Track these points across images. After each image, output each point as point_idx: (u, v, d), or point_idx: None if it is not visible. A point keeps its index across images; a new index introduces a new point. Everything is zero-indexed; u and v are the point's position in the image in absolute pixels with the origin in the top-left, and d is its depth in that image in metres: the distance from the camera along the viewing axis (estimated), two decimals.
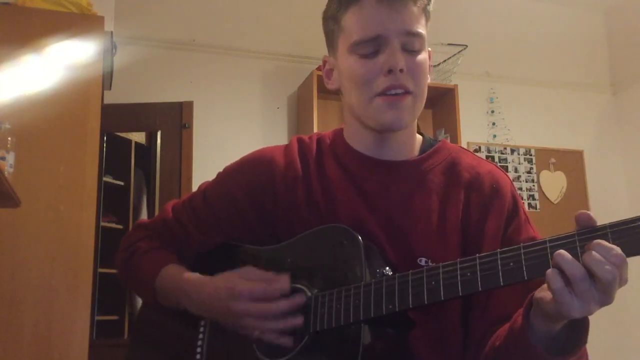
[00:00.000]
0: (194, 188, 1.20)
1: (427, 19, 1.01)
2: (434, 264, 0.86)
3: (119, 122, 3.35)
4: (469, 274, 0.81)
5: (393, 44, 0.96)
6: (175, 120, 3.38)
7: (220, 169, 1.18)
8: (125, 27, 3.36)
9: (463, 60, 3.89)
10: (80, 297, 2.22)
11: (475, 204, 1.01)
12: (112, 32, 2.76)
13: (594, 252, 0.71)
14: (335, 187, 1.05)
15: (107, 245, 3.04)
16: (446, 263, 0.84)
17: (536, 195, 4.20)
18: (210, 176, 1.20)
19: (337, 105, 3.79)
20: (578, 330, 0.81)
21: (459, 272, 0.82)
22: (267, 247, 1.06)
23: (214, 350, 1.06)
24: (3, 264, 2.16)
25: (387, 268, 0.94)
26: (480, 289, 0.80)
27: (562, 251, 0.73)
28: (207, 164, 3.18)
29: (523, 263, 0.77)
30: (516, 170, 4.20)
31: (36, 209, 2.23)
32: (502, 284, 0.78)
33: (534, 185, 4.22)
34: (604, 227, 0.73)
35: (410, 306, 0.85)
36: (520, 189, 4.17)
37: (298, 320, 0.94)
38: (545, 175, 4.26)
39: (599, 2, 4.57)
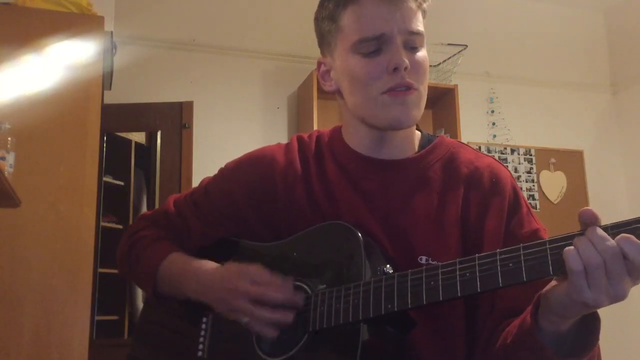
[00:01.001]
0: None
1: (424, 16, 1.01)
2: (433, 264, 0.86)
3: (119, 122, 3.35)
4: (467, 275, 0.80)
5: (396, 42, 0.96)
6: (175, 120, 3.38)
7: (223, 166, 1.18)
8: (125, 27, 3.36)
9: (463, 60, 3.89)
10: (80, 297, 2.22)
11: (475, 199, 1.00)
12: (112, 32, 2.76)
13: (631, 236, 0.70)
14: (335, 186, 1.05)
15: (107, 245, 3.04)
16: (445, 263, 0.83)
17: (536, 195, 4.20)
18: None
19: (337, 105, 3.76)
20: (588, 329, 0.80)
21: (457, 272, 0.81)
22: (269, 243, 1.07)
23: (215, 348, 1.07)
24: (3, 264, 2.16)
25: (388, 265, 0.94)
26: (479, 289, 0.79)
27: (582, 237, 0.72)
28: (207, 164, 3.17)
29: (522, 264, 0.76)
30: (516, 170, 4.20)
31: (36, 209, 2.23)
32: (500, 285, 0.78)
33: (534, 185, 4.22)
34: (605, 227, 0.72)
35: (409, 306, 0.85)
36: (520, 189, 4.16)
37: (288, 317, 0.94)
38: (545, 175, 4.26)
39: (599, 2, 4.57)
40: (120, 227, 3.42)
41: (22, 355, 2.13)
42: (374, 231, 0.99)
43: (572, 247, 0.72)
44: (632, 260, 0.69)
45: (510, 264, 0.77)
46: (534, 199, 4.19)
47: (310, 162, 1.09)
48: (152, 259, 1.10)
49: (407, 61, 0.96)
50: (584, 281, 0.71)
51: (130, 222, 3.50)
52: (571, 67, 4.51)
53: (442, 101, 3.89)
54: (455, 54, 3.88)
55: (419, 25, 0.99)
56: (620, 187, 4.41)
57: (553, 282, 0.78)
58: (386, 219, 1.00)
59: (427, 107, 1.04)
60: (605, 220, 0.75)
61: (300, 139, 1.13)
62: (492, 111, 4.26)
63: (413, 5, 0.98)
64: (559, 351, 0.80)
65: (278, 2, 3.95)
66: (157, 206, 3.33)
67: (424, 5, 1.00)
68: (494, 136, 4.23)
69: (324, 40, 1.05)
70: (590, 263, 0.70)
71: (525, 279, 0.76)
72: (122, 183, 3.53)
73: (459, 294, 0.81)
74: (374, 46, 0.97)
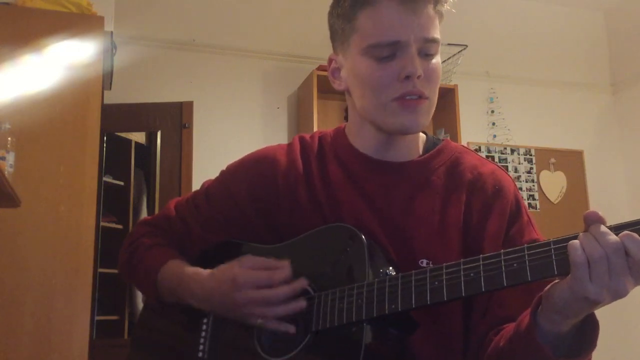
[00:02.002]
0: (194, 188, 1.21)
1: (441, 20, 1.00)
2: (437, 265, 0.86)
3: (119, 122, 3.35)
4: (472, 275, 0.80)
5: (411, 49, 0.94)
6: (175, 120, 3.38)
7: (221, 169, 1.18)
8: (125, 27, 3.36)
9: (463, 60, 3.89)
10: (80, 297, 2.22)
11: (477, 205, 1.00)
12: (112, 32, 2.76)
13: (634, 233, 0.71)
14: (337, 187, 1.05)
15: (107, 245, 3.05)
16: (450, 263, 0.83)
17: (536, 195, 4.20)
18: (211, 176, 1.20)
19: (337, 105, 3.79)
20: (586, 334, 0.80)
21: (462, 272, 0.81)
22: (271, 245, 1.07)
23: (216, 348, 1.07)
24: (3, 264, 2.16)
25: (391, 268, 0.94)
26: (483, 289, 0.80)
27: (586, 233, 0.73)
28: (207, 164, 3.18)
29: (527, 264, 0.76)
30: (516, 170, 4.20)
31: (36, 209, 2.23)
32: (505, 284, 0.78)
33: (534, 185, 4.22)
34: (609, 227, 0.73)
35: (413, 306, 0.85)
36: (521, 189, 4.17)
37: (300, 304, 0.94)
38: (545, 175, 4.26)
39: (599, 2, 4.57)
40: (120, 227, 3.42)
41: (22, 355, 2.13)
42: (375, 233, 0.99)
43: (576, 241, 0.73)
44: (633, 257, 0.71)
45: (515, 264, 0.77)
46: (534, 199, 4.19)
47: (312, 163, 1.08)
48: (150, 267, 1.10)
49: (420, 70, 0.95)
50: (586, 274, 0.72)
51: (130, 222, 3.50)
52: (571, 67, 4.51)
53: (442, 101, 3.88)
54: (455, 54, 3.88)
55: (436, 32, 0.97)
56: (620, 187, 4.41)
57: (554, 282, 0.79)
58: (388, 222, 1.00)
59: None
60: (605, 219, 0.75)
61: (302, 139, 1.13)
62: (492, 111, 4.26)
63: (431, 11, 0.96)
64: (555, 352, 0.80)
65: (278, 2, 3.95)
66: (157, 206, 3.34)
67: (443, 9, 0.98)
68: (494, 136, 4.23)
69: (337, 37, 1.03)
70: (593, 256, 0.71)
71: (529, 279, 0.76)
72: (122, 183, 3.53)
73: (463, 294, 0.81)
74: (387, 51, 0.95)
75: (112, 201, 3.39)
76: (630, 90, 4.49)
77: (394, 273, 0.92)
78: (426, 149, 1.07)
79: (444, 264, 0.84)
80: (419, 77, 0.95)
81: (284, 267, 0.96)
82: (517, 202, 1.02)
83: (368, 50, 0.96)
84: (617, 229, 0.73)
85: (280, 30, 3.92)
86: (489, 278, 0.79)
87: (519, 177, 4.19)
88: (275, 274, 0.96)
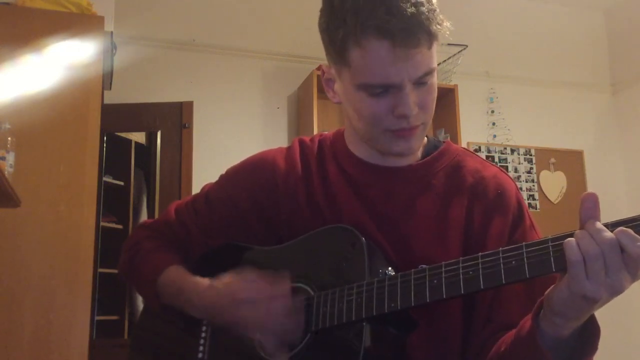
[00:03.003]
0: (194, 188, 1.21)
1: (437, 42, 0.94)
2: (434, 256, 0.86)
3: (119, 122, 3.35)
4: (471, 272, 0.81)
5: (405, 90, 0.91)
6: (175, 120, 3.38)
7: (221, 169, 1.18)
8: (125, 27, 3.36)
9: (463, 60, 3.89)
10: (80, 297, 2.22)
11: (479, 209, 0.99)
12: (112, 32, 2.76)
13: (629, 229, 0.72)
14: (337, 191, 1.04)
15: (107, 245, 3.05)
16: (449, 262, 0.83)
17: (536, 195, 4.20)
18: (210, 176, 1.20)
19: (337, 106, 3.77)
20: (587, 337, 0.80)
21: (461, 270, 0.82)
22: (271, 247, 1.07)
23: (216, 350, 1.07)
24: (3, 264, 2.16)
25: (390, 268, 0.94)
26: (482, 287, 0.80)
27: (581, 230, 0.74)
28: (207, 164, 3.18)
29: (525, 261, 0.77)
30: (516, 170, 4.20)
31: (36, 209, 2.23)
32: (504, 282, 0.78)
33: (534, 185, 4.22)
34: (605, 224, 0.73)
35: (413, 304, 0.85)
36: (521, 189, 4.15)
37: (299, 318, 0.94)
38: (545, 175, 4.26)
39: (599, 2, 4.57)
40: (120, 227, 3.42)
41: (22, 355, 2.12)
42: (374, 237, 0.98)
43: (572, 239, 0.73)
44: (629, 253, 0.71)
45: (513, 262, 0.78)
46: (534, 199, 4.19)
47: (312, 166, 1.08)
48: (151, 272, 1.09)
49: (415, 108, 0.92)
50: (582, 272, 0.72)
51: (130, 222, 3.50)
52: (571, 67, 4.51)
53: (442, 101, 3.88)
54: (455, 54, 3.88)
55: (431, 63, 0.92)
56: (620, 187, 4.41)
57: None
58: (387, 226, 1.00)
59: None
60: (605, 220, 0.76)
61: (302, 142, 1.12)
62: (492, 111, 4.26)
63: (425, 47, 0.90)
64: (557, 357, 0.80)
65: (278, 2, 3.95)
66: (157, 206, 3.34)
67: (439, 32, 0.92)
68: (494, 136, 4.23)
69: (330, 58, 0.99)
70: (589, 253, 0.71)
71: (527, 276, 0.77)
72: (122, 183, 3.53)
73: (462, 292, 0.81)
74: (380, 89, 0.92)
75: (112, 201, 3.39)
76: (630, 90, 4.49)
77: (393, 273, 0.92)
78: (427, 151, 1.06)
79: (443, 262, 0.84)
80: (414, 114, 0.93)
81: (284, 280, 0.95)
82: (520, 206, 1.01)
83: (360, 87, 0.93)
84: (613, 225, 0.73)
85: (280, 30, 3.92)
86: (488, 275, 0.79)
87: (519, 177, 4.19)
88: (275, 289, 0.95)
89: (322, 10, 0.97)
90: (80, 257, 2.25)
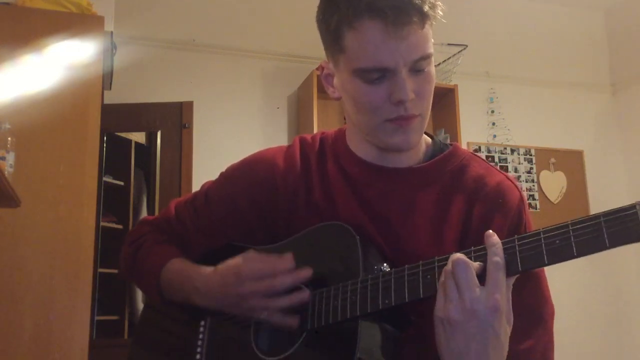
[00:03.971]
0: (194, 188, 1.21)
1: (432, 25, 0.94)
2: (430, 259, 0.86)
3: (119, 122, 3.35)
4: None
5: (400, 75, 0.91)
6: (175, 120, 3.38)
7: (221, 169, 1.18)
8: (125, 27, 3.36)
9: (463, 60, 3.89)
10: (80, 297, 2.22)
11: (477, 215, 0.98)
12: (112, 32, 2.76)
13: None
14: (336, 191, 1.04)
15: (107, 245, 3.05)
16: (441, 257, 0.84)
17: (536, 195, 4.20)
18: (210, 176, 1.20)
19: (338, 105, 3.79)
20: None
21: None
22: (268, 246, 1.07)
23: (213, 349, 1.07)
24: (3, 264, 2.16)
25: (385, 264, 0.94)
26: None
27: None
28: (207, 164, 3.18)
29: (517, 255, 0.78)
30: (516, 170, 4.20)
31: (36, 209, 2.23)
32: None
33: (534, 185, 4.22)
34: (597, 216, 0.73)
35: (407, 300, 0.85)
36: (520, 188, 4.17)
37: (304, 295, 0.95)
38: (545, 175, 4.26)
39: (599, 2, 4.57)
40: (120, 227, 3.42)
41: (22, 356, 2.13)
42: (371, 237, 0.99)
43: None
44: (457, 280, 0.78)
45: (505, 256, 0.79)
46: (534, 199, 4.19)
47: (312, 164, 1.08)
48: (154, 264, 1.09)
49: (411, 93, 0.92)
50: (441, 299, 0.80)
51: (130, 222, 3.50)
52: (571, 67, 4.51)
53: (442, 101, 3.88)
54: (455, 54, 3.88)
55: (427, 48, 0.92)
56: (620, 187, 4.41)
57: None
58: (385, 228, 0.99)
59: None
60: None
61: (302, 140, 1.12)
62: (492, 111, 4.26)
63: (419, 28, 0.90)
64: None
65: (278, 2, 3.95)
66: (157, 206, 3.35)
67: (432, 14, 0.92)
68: (494, 136, 4.23)
69: (327, 50, 1.01)
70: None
71: (520, 269, 0.78)
72: (122, 183, 3.53)
73: None
74: (376, 75, 0.92)
75: (112, 201, 3.39)
76: (630, 90, 4.49)
77: (388, 269, 0.92)
78: (432, 154, 1.05)
79: (436, 257, 0.84)
80: (411, 99, 0.93)
81: (287, 259, 0.96)
82: (519, 218, 0.99)
83: (356, 72, 0.93)
84: (605, 215, 0.73)
85: (280, 30, 3.92)
86: (479, 269, 0.80)
87: (519, 177, 4.19)
88: (278, 264, 0.96)
89: (319, 4, 0.98)
90: (80, 257, 2.25)
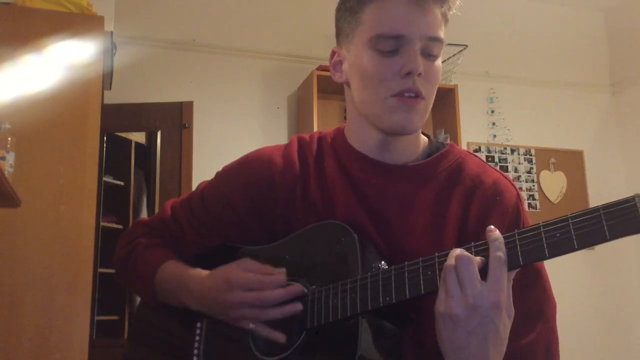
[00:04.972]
0: (194, 188, 1.20)
1: (446, 25, 1.00)
2: (429, 255, 0.85)
3: (119, 122, 3.35)
4: None
5: (415, 46, 0.94)
6: (175, 120, 3.38)
7: (220, 169, 1.18)
8: (125, 27, 3.36)
9: (463, 60, 3.89)
10: (80, 297, 2.22)
11: (475, 213, 0.98)
12: (112, 32, 2.76)
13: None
14: (333, 188, 1.04)
15: (107, 245, 3.04)
16: (442, 253, 0.83)
17: (536, 195, 4.20)
18: (210, 176, 1.20)
19: (337, 105, 3.79)
20: None
21: None
22: (264, 245, 1.06)
23: (211, 349, 1.06)
24: (3, 264, 2.16)
25: (383, 262, 0.94)
26: None
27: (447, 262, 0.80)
28: (207, 164, 3.16)
29: (518, 249, 0.78)
30: (516, 170, 4.20)
31: (36, 209, 2.23)
32: None
33: (534, 185, 4.22)
34: (597, 209, 0.74)
35: (408, 297, 0.85)
36: (521, 189, 4.16)
37: (296, 307, 0.94)
38: (545, 175, 4.26)
39: (599, 2, 4.57)
40: (121, 227, 3.42)
41: (22, 356, 2.13)
42: (369, 234, 0.98)
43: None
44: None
45: (506, 250, 0.79)
46: (534, 199, 4.19)
47: (309, 163, 1.08)
48: (148, 266, 1.09)
49: (421, 67, 0.94)
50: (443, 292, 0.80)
51: (130, 222, 3.50)
52: (571, 67, 4.51)
53: (442, 101, 3.88)
54: (455, 54, 3.88)
55: (441, 32, 0.97)
56: (620, 187, 4.40)
57: None
58: (382, 224, 0.99)
59: None
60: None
61: (300, 140, 1.12)
62: (492, 111, 4.26)
63: (438, 12, 0.97)
64: None
65: (278, 2, 3.95)
66: (157, 206, 3.34)
67: (449, 13, 0.99)
68: (494, 136, 4.23)
69: (342, 31, 1.03)
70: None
71: (521, 263, 0.78)
72: (122, 183, 3.53)
73: None
74: (391, 45, 0.95)
75: (112, 201, 3.39)
76: (630, 90, 4.49)
77: (386, 267, 0.92)
78: (428, 153, 1.05)
79: (436, 254, 0.84)
80: (419, 74, 0.95)
81: (280, 272, 0.96)
82: (517, 215, 1.00)
83: (372, 41, 0.96)
84: (604, 208, 0.75)
85: (280, 30, 3.92)
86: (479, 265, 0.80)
87: (519, 177, 4.19)
88: (269, 277, 0.95)
89: None
90: (80, 257, 2.25)
